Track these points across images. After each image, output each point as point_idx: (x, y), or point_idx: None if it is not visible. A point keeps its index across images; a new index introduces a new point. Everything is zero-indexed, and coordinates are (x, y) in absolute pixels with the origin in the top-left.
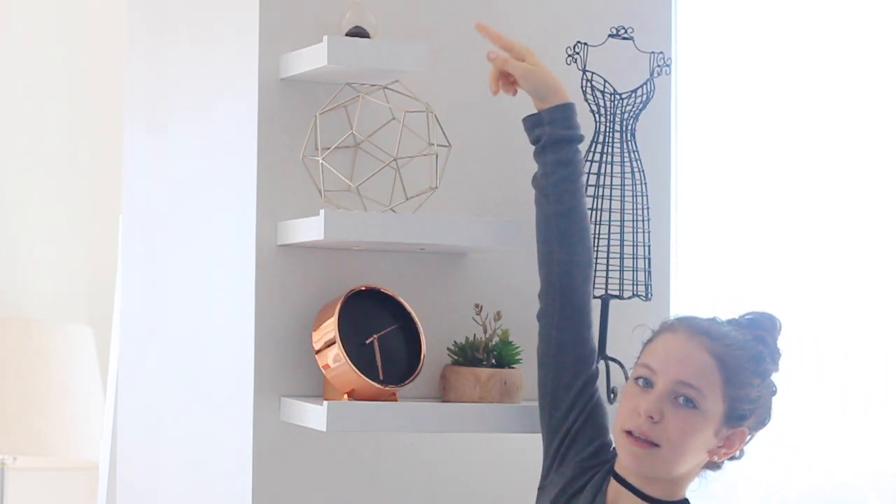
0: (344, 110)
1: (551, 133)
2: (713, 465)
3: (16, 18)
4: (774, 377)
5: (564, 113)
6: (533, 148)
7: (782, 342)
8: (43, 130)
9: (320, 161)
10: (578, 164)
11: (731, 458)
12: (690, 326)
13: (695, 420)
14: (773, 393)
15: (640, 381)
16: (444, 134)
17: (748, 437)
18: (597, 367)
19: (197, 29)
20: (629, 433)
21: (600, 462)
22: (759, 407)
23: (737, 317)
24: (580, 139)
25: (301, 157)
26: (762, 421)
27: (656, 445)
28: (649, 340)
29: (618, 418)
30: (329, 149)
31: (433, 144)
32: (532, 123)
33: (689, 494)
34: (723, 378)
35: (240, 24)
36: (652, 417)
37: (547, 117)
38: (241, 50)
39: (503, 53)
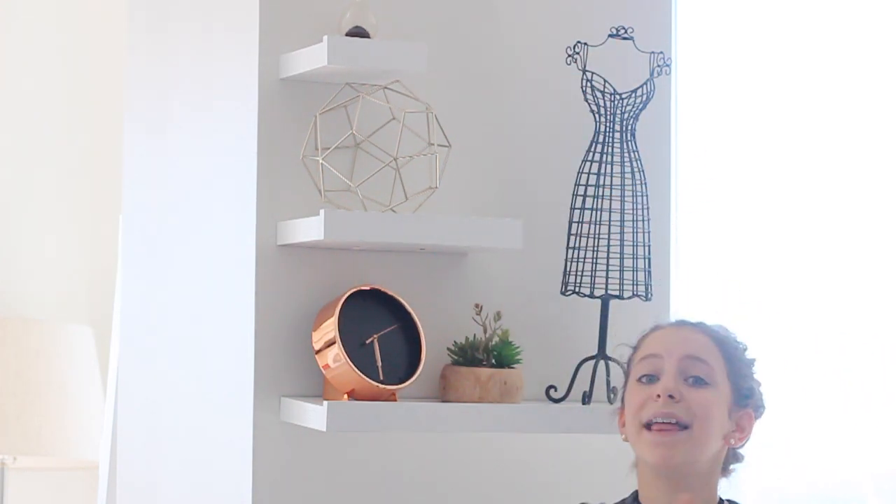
0: (344, 110)
1: None
2: (735, 457)
3: (16, 18)
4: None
5: None
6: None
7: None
8: (43, 130)
9: (320, 161)
10: None
11: (736, 461)
12: (679, 321)
13: (712, 395)
14: (760, 384)
15: (644, 379)
16: (444, 134)
17: (755, 422)
18: None
19: (197, 29)
20: (648, 426)
21: None
22: (757, 391)
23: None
24: None
25: (301, 157)
26: (760, 408)
27: (685, 427)
28: (637, 347)
29: (630, 418)
30: (329, 149)
31: (433, 144)
32: None
33: None
34: (723, 356)
35: (240, 24)
36: (672, 396)
37: None
38: (241, 50)
39: None
